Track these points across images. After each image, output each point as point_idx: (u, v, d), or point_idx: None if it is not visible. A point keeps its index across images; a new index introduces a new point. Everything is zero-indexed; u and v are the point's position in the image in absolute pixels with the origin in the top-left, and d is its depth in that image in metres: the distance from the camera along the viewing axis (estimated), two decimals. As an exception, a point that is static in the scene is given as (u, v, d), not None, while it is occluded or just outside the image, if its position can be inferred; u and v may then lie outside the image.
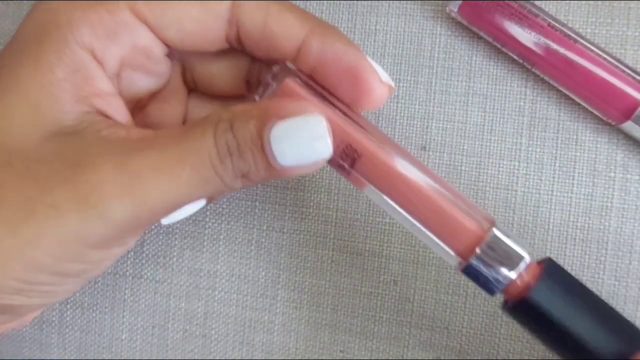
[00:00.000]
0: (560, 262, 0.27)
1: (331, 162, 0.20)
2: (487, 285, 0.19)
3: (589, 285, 0.26)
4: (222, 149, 0.18)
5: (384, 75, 0.20)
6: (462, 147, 0.28)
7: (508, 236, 0.19)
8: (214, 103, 0.25)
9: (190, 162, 0.18)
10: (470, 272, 0.19)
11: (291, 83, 0.20)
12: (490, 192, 0.27)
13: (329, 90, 0.21)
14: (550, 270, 0.19)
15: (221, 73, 0.23)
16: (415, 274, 0.28)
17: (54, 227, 0.18)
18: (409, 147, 0.28)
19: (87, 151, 0.18)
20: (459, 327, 0.27)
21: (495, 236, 0.19)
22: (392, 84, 0.21)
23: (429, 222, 0.19)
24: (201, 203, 0.23)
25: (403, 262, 0.28)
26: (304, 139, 0.18)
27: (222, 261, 0.29)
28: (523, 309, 0.19)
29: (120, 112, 0.20)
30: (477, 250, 0.19)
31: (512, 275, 0.19)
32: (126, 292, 0.30)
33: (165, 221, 0.22)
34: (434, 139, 0.28)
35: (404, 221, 0.20)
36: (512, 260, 0.19)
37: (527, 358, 0.27)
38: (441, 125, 0.28)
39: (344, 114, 0.20)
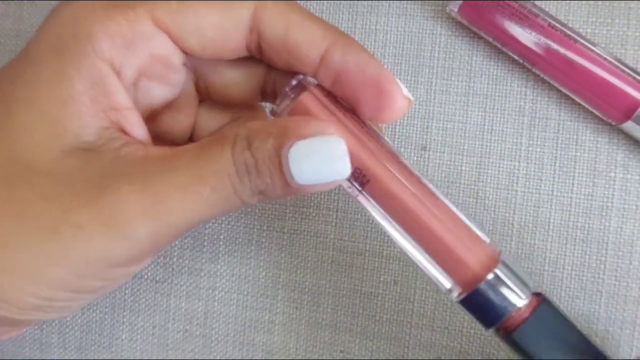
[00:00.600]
0: (561, 262, 0.27)
1: None
2: (487, 316, 0.19)
3: (589, 284, 0.26)
4: (240, 167, 0.18)
5: (404, 89, 0.20)
6: (462, 147, 0.28)
7: (511, 270, 0.19)
8: (225, 112, 0.24)
9: (211, 181, 0.18)
10: (471, 303, 0.19)
11: (307, 99, 0.20)
12: (490, 192, 0.27)
13: (347, 106, 0.20)
14: (545, 303, 0.19)
15: (236, 83, 0.23)
16: (415, 274, 0.28)
17: (78, 247, 0.18)
18: (410, 147, 0.28)
19: (108, 171, 0.18)
20: (459, 327, 0.27)
21: (497, 276, 0.19)
22: (412, 97, 0.21)
23: (430, 253, 0.19)
24: None
25: (403, 262, 0.28)
26: (323, 159, 0.18)
27: (222, 261, 0.29)
28: (517, 338, 0.19)
29: (137, 126, 0.20)
30: (480, 285, 0.18)
31: (515, 306, 0.19)
32: (126, 292, 0.30)
33: None
34: (434, 139, 0.28)
35: (402, 244, 0.20)
36: (513, 294, 0.19)
37: (527, 358, 0.27)
38: (441, 125, 0.28)
39: (358, 134, 0.20)
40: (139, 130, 0.20)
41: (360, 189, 0.19)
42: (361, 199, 0.20)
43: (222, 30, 0.20)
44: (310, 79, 0.21)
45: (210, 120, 0.24)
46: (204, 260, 0.29)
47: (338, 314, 0.28)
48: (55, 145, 0.19)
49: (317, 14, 0.29)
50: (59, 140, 0.19)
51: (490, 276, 0.19)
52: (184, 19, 0.19)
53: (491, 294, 0.19)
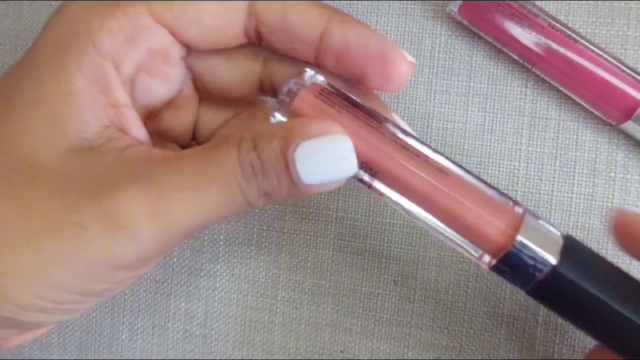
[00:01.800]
0: (561, 262, 0.27)
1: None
2: (520, 279, 0.19)
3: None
4: (246, 168, 0.18)
5: (407, 55, 0.21)
6: (462, 147, 0.28)
7: (536, 228, 0.19)
8: (226, 108, 0.25)
9: (218, 182, 0.18)
10: (501, 270, 0.19)
11: (298, 106, 0.20)
12: (490, 192, 0.27)
13: (342, 102, 0.20)
14: (570, 244, 0.19)
15: (232, 80, 0.23)
16: (415, 274, 0.28)
17: (81, 247, 0.17)
18: (409, 147, 0.28)
19: (112, 170, 0.18)
20: (459, 327, 0.27)
21: (521, 242, 0.19)
22: (414, 60, 0.21)
23: (451, 230, 0.19)
24: None
25: (403, 262, 0.28)
26: (329, 158, 0.18)
27: (222, 261, 0.29)
28: (554, 286, 0.19)
29: (135, 125, 0.20)
30: (504, 255, 0.19)
31: (551, 259, 0.19)
32: (126, 292, 0.30)
33: None
34: (434, 139, 0.28)
35: (425, 225, 0.20)
36: (547, 245, 0.19)
37: (527, 358, 0.27)
38: (441, 125, 0.28)
39: (356, 128, 0.20)
40: (137, 129, 0.20)
41: (370, 181, 0.20)
42: (373, 189, 0.20)
43: (221, 17, 0.20)
44: (305, 78, 0.20)
45: (212, 116, 0.24)
46: (204, 260, 0.29)
47: (338, 314, 0.28)
48: (59, 144, 0.19)
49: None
50: (62, 139, 0.19)
51: (513, 244, 0.19)
52: (183, 10, 0.20)
53: (519, 260, 0.19)
